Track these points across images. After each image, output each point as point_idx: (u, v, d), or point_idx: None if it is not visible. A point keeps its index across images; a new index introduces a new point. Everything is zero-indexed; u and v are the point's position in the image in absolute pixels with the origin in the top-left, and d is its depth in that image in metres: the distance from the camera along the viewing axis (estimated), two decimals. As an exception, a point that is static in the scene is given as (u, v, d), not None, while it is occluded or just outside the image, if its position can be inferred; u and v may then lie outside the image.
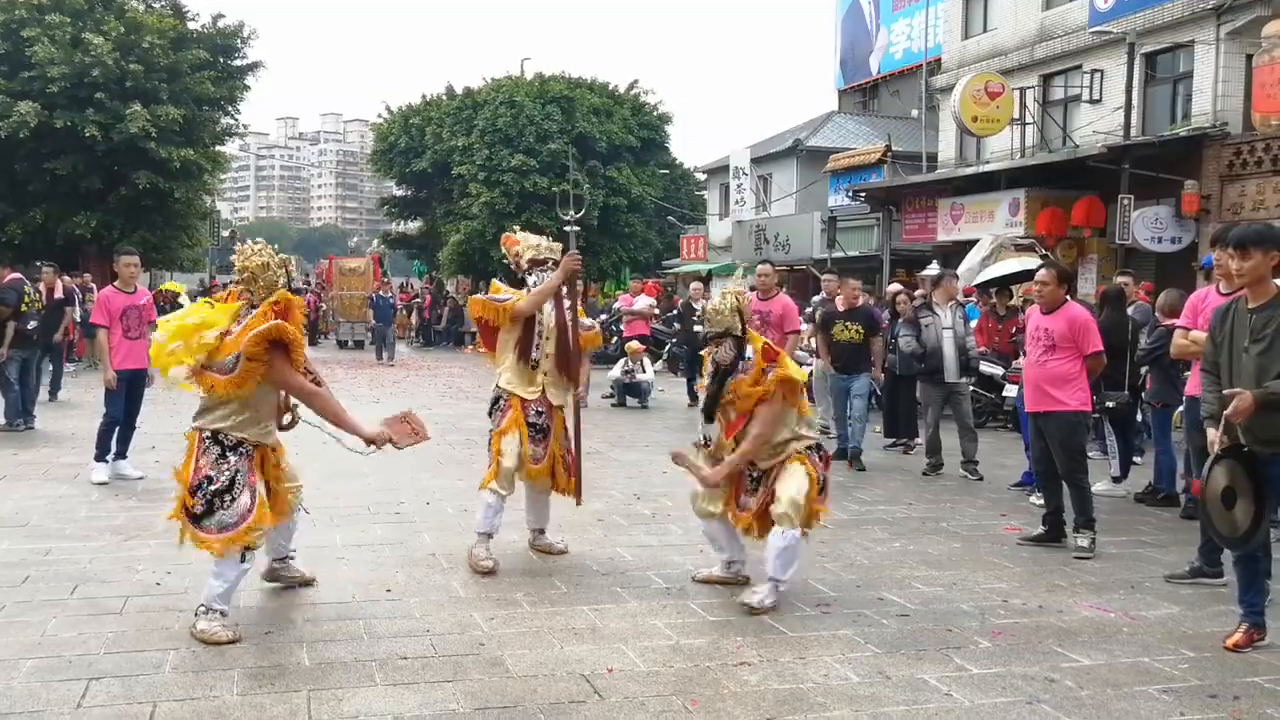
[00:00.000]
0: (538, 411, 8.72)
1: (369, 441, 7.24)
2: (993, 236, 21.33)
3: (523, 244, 8.98)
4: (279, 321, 6.84)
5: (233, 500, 6.78)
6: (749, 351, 7.93)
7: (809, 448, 7.85)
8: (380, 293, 34.86)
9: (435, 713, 5.62)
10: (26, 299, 16.12)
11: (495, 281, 9.40)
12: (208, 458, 6.88)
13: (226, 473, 6.83)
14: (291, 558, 7.85)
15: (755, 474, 7.91)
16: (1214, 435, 6.83)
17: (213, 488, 6.79)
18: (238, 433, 6.91)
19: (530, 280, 8.82)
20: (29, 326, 16.36)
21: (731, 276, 32.80)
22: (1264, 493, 6.73)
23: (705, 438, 8.21)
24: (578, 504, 9.13)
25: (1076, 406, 9.56)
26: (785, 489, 7.59)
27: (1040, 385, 9.68)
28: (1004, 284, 18.63)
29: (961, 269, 20.29)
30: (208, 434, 6.93)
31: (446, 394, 23.30)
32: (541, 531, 9.18)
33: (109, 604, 7.32)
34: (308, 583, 7.87)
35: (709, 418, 8.06)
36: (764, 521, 7.79)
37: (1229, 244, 7.29)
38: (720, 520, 8.10)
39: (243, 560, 6.76)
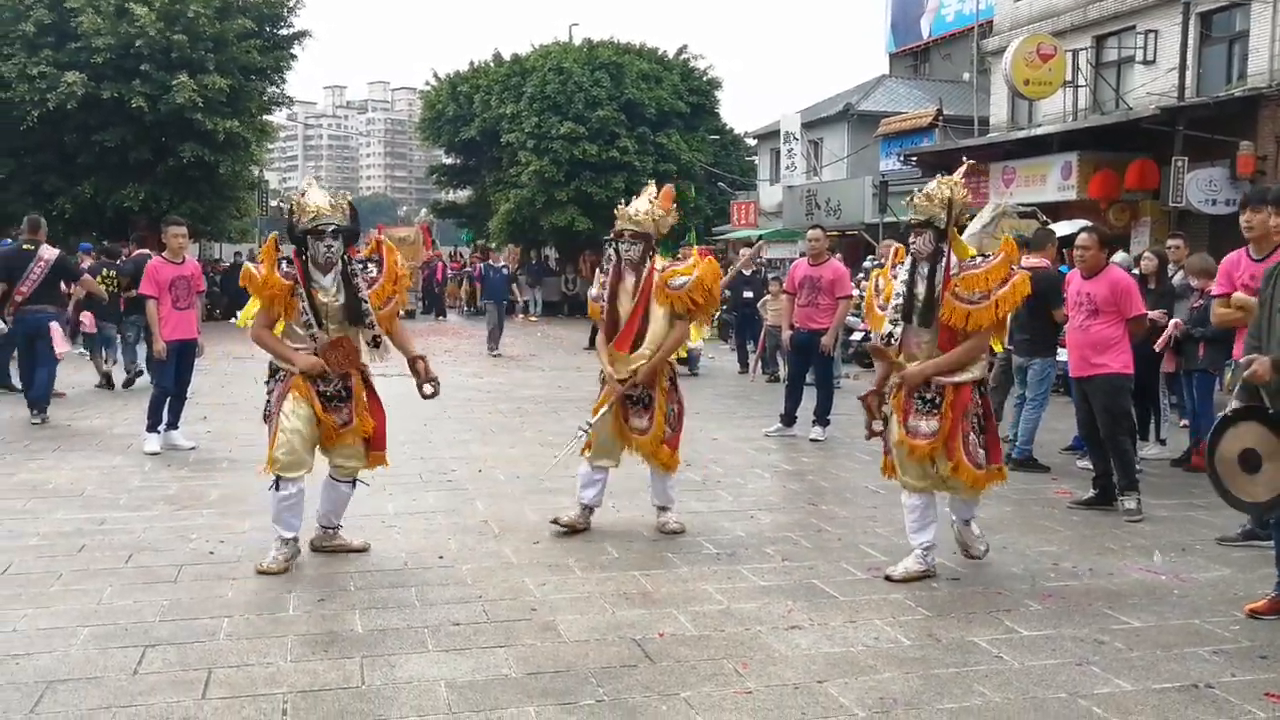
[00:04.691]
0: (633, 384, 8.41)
1: (305, 374, 7.39)
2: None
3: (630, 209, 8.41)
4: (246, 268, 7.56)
5: (272, 428, 7.38)
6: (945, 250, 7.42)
7: (977, 382, 7.47)
8: (490, 262, 30.21)
9: (487, 678, 5.66)
10: None
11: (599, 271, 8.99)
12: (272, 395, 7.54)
13: (269, 400, 7.50)
14: (338, 528, 7.97)
15: (929, 395, 7.36)
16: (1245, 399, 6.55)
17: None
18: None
19: (620, 247, 8.37)
20: None
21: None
22: None
23: (889, 336, 7.46)
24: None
25: (1119, 369, 9.55)
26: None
27: (1083, 350, 9.67)
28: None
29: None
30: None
31: (498, 363, 23.35)
32: (662, 509, 8.86)
33: (163, 572, 7.41)
34: (358, 550, 7.95)
35: (910, 320, 7.39)
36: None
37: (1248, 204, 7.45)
38: (925, 493, 7.55)
39: (277, 488, 7.16)
